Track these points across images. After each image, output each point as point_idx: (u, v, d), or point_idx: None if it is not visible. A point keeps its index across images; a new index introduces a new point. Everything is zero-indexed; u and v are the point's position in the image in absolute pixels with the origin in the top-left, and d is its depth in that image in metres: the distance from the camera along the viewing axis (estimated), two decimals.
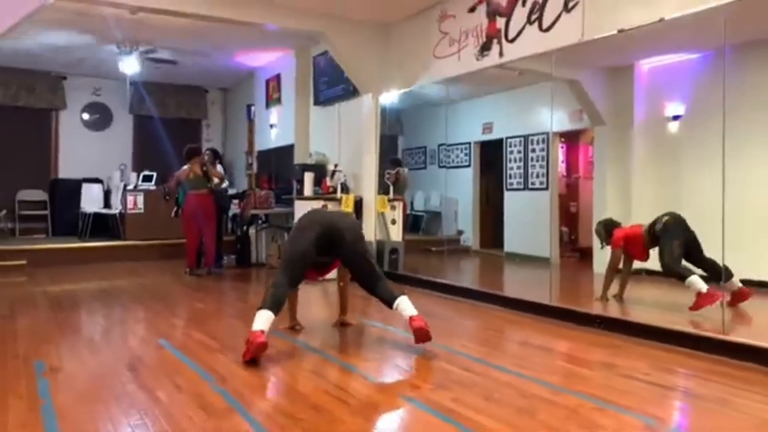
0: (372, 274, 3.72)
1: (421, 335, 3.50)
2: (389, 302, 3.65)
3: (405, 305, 3.60)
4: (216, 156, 8.23)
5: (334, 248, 3.68)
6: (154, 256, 8.31)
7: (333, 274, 4.14)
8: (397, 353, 3.55)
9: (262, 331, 3.26)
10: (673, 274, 4.55)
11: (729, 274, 4.39)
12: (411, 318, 3.54)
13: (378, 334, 4.10)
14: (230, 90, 11.46)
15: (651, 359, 3.44)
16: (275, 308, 3.39)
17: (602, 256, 5.21)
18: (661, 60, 6.12)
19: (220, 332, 4.10)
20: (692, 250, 4.61)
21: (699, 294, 4.33)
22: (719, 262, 4.20)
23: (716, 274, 4.36)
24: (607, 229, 5.06)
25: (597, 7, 4.54)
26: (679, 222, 4.67)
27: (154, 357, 3.45)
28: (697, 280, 4.39)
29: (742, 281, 4.59)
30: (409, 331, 3.56)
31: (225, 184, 7.74)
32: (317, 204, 6.55)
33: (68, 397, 2.75)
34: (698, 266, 4.57)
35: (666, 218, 4.71)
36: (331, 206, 6.55)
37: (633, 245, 4.87)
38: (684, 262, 4.57)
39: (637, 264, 5.07)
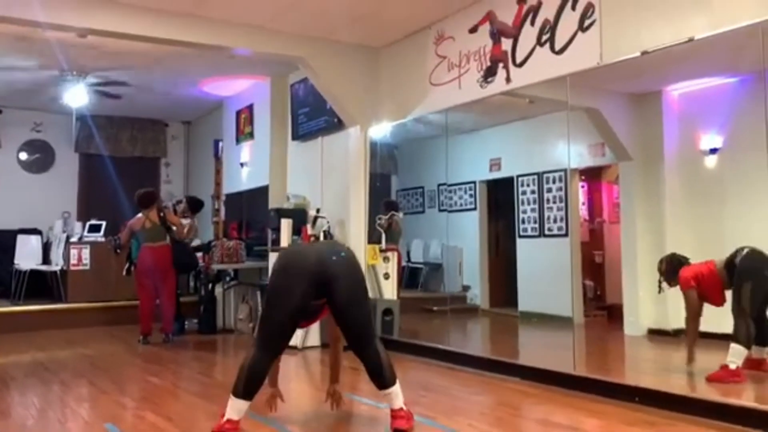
0: (365, 333, 3.55)
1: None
2: (379, 383, 3.52)
3: (394, 396, 3.51)
4: (194, 206, 8.21)
5: (323, 294, 3.50)
6: (102, 321, 8.22)
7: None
8: None
9: (238, 422, 3.31)
10: (735, 325, 4.44)
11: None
12: (393, 411, 3.49)
13: (369, 414, 4.02)
14: (194, 123, 11.58)
15: None
16: (252, 394, 3.39)
17: (634, 314, 5.16)
18: (694, 85, 6.24)
19: (179, 414, 4.03)
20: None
21: (725, 367, 4.35)
22: None
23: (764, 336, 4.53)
24: (673, 265, 4.91)
25: (617, 26, 4.64)
26: (762, 258, 4.52)
27: None
28: (740, 353, 4.35)
29: None
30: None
31: (191, 238, 7.74)
32: None
33: None
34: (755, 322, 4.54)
35: (746, 250, 4.58)
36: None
37: (707, 284, 4.73)
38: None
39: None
